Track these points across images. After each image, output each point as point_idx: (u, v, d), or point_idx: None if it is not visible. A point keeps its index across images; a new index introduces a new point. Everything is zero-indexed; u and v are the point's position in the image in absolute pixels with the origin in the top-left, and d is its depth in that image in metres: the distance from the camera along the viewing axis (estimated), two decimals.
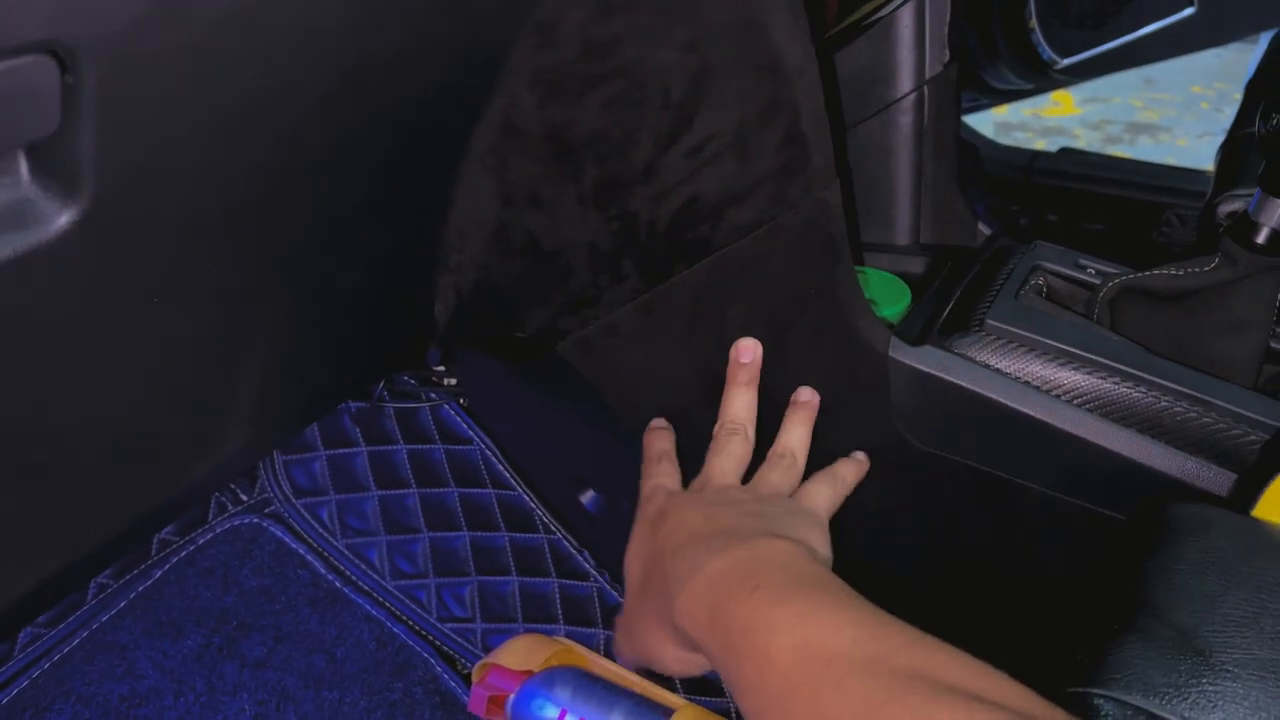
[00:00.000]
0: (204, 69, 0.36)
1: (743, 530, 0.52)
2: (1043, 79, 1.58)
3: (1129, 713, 0.40)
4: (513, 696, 0.72)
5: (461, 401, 0.84)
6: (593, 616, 0.83)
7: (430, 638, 0.85)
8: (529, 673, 0.74)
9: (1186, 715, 0.40)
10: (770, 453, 0.62)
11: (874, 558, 0.72)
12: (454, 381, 0.85)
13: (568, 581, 0.84)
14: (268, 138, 0.41)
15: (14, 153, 0.35)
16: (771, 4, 0.53)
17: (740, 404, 0.62)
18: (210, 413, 0.52)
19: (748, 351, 0.63)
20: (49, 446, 0.45)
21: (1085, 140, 2.40)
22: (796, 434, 0.63)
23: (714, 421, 0.63)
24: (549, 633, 0.83)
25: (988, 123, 2.16)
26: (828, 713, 0.39)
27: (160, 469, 0.54)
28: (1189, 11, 1.57)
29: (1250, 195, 0.61)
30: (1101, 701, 0.41)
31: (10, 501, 0.46)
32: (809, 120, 0.55)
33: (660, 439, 0.65)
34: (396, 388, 0.85)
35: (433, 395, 0.85)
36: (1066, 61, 1.54)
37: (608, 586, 0.83)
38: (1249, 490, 0.50)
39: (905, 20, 0.70)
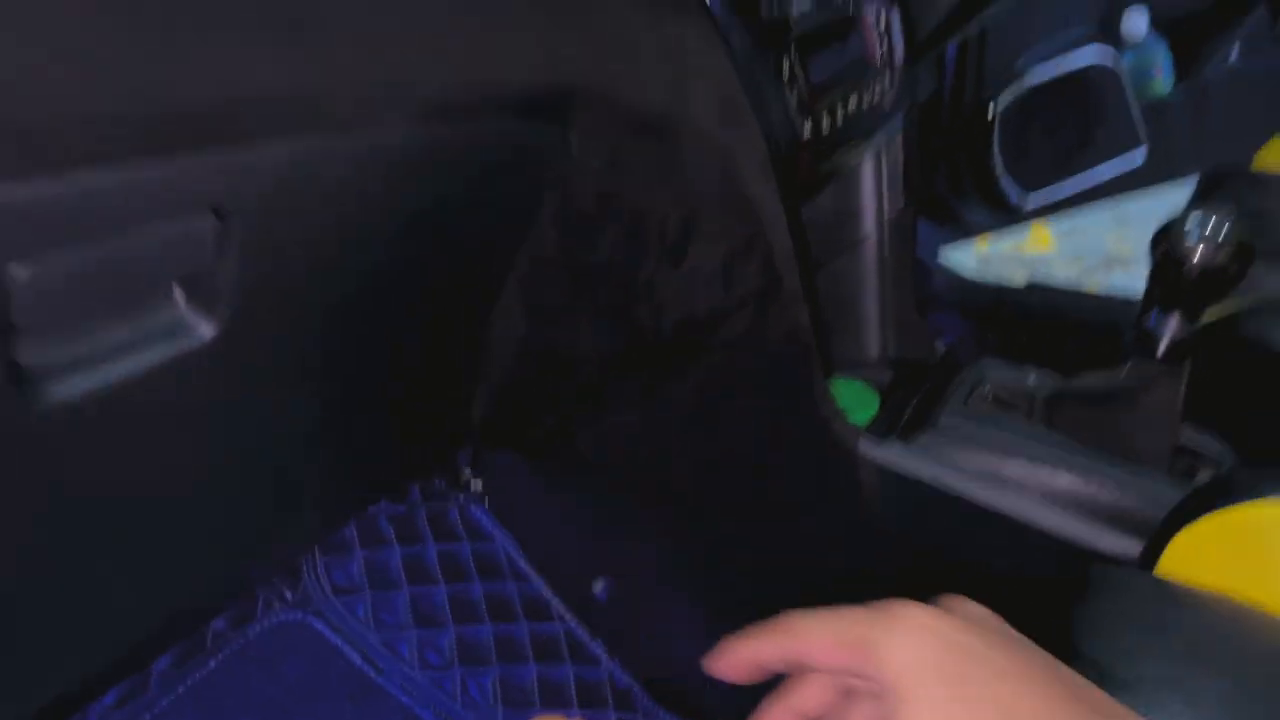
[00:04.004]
0: (317, 222, 0.48)
1: None
2: (1011, 216, 1.73)
3: None
4: None
5: (486, 503, 0.94)
6: (604, 699, 0.91)
7: None
8: None
9: None
10: None
11: None
12: (479, 485, 0.95)
13: (581, 667, 0.92)
14: (358, 271, 0.53)
15: (172, 282, 0.47)
16: (744, 163, 0.66)
17: None
18: (285, 498, 0.62)
19: None
20: (153, 524, 0.55)
21: (1064, 273, 2.54)
22: None
23: (715, 503, 0.73)
24: (566, 714, 0.90)
25: (971, 256, 2.30)
26: None
27: (233, 552, 0.64)
28: (1140, 157, 1.73)
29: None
30: None
31: (107, 568, 0.55)
32: (780, 255, 0.68)
33: None
34: (429, 490, 0.95)
35: (461, 498, 0.95)
36: (1030, 201, 1.69)
37: (618, 670, 0.91)
38: (1152, 554, 0.59)
39: (867, 172, 0.83)
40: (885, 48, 0.81)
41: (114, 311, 0.45)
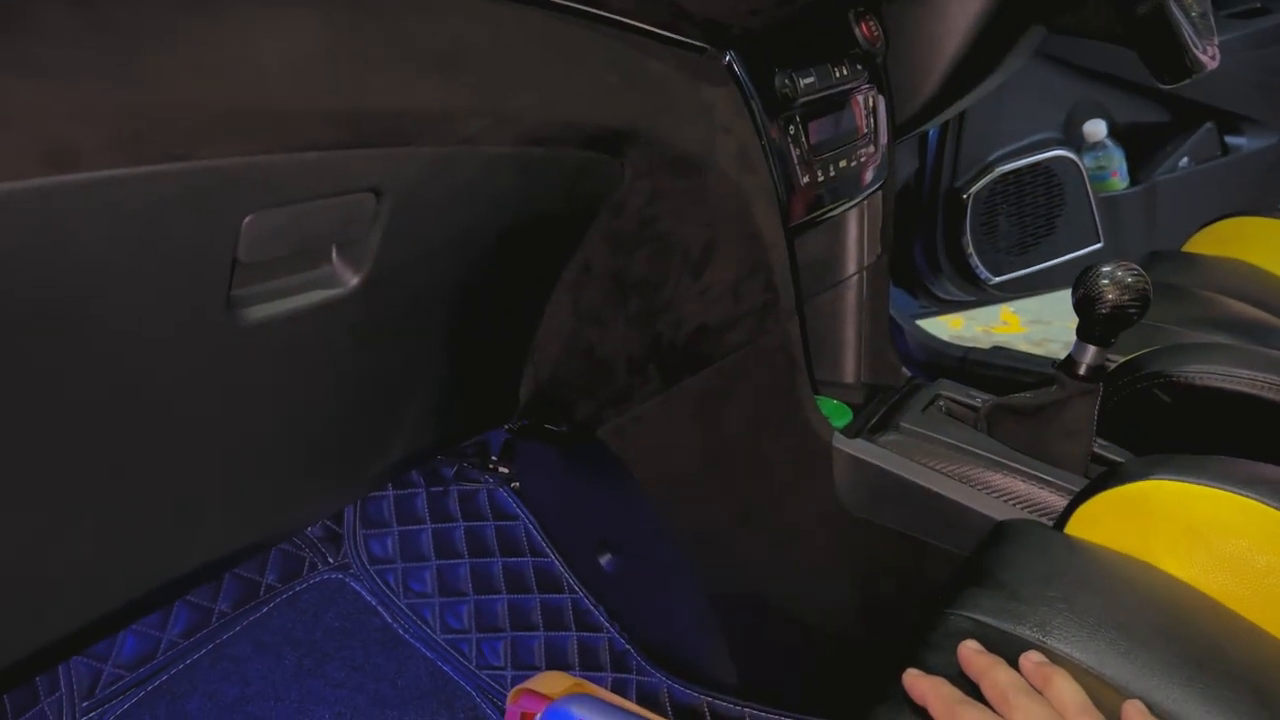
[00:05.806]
0: (438, 210, 0.65)
1: None
2: (980, 292, 1.92)
3: (972, 625, 0.65)
4: (540, 715, 0.93)
5: (514, 485, 1.09)
6: (603, 662, 1.05)
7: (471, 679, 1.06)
8: (552, 697, 0.96)
9: (1002, 626, 0.64)
10: None
11: (815, 606, 0.96)
12: (506, 470, 1.10)
13: (584, 634, 1.06)
14: (459, 251, 0.69)
15: (331, 245, 0.63)
16: (756, 202, 0.83)
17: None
18: (376, 431, 0.77)
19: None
20: (284, 432, 0.70)
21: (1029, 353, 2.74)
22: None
23: (712, 487, 0.89)
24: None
25: (944, 333, 2.48)
26: None
27: (326, 474, 0.79)
28: (1097, 246, 1.93)
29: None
30: (958, 619, 0.65)
31: (259, 453, 0.69)
32: (779, 277, 0.84)
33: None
34: (462, 475, 1.10)
35: (490, 480, 1.09)
36: (998, 280, 1.88)
37: (617, 635, 1.05)
38: (1060, 522, 0.75)
39: (851, 221, 1.01)
40: (872, 124, 0.99)
41: (293, 260, 0.60)
